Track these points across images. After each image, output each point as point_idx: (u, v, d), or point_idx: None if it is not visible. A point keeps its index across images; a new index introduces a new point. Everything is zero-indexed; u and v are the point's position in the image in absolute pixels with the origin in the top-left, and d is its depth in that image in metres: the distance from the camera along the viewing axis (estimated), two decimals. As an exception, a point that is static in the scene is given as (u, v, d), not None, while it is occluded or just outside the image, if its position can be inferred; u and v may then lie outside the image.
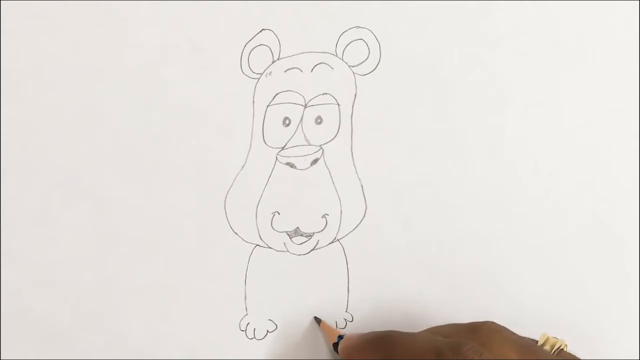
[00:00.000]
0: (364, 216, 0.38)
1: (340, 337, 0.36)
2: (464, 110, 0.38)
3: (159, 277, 0.35)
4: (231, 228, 0.36)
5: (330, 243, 0.37)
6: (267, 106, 0.36)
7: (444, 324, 0.35)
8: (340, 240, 0.37)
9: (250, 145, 0.36)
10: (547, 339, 0.34)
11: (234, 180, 0.36)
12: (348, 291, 0.38)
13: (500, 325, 0.33)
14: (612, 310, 0.41)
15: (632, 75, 0.40)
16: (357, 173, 0.37)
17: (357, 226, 0.38)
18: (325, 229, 0.37)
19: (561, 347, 0.33)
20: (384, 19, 0.37)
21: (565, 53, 0.39)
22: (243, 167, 0.36)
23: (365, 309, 0.38)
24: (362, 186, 0.37)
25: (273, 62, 0.36)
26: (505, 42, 0.38)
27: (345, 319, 0.38)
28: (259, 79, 0.35)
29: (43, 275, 0.34)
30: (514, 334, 0.33)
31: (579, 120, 0.40)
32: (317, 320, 0.37)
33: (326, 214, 0.37)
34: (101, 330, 0.35)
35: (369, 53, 0.37)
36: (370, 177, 0.37)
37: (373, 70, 0.37)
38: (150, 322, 0.35)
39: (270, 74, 0.36)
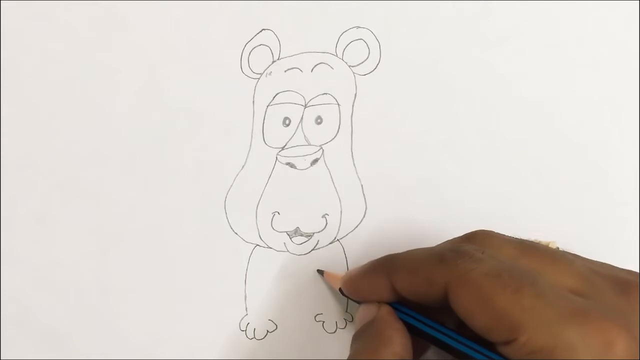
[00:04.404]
0: (364, 216, 0.38)
1: None
2: (463, 110, 0.38)
3: (158, 277, 0.35)
4: (231, 228, 0.36)
5: (330, 243, 0.37)
6: (267, 106, 0.36)
7: None
8: (340, 240, 0.37)
9: (250, 145, 0.36)
10: (540, 242, 0.33)
11: (234, 180, 0.36)
12: (348, 291, 0.38)
13: (494, 231, 0.33)
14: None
15: (632, 76, 0.40)
16: (357, 173, 0.37)
17: (357, 226, 0.38)
18: (325, 229, 0.37)
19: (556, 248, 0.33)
20: (384, 19, 0.37)
21: (565, 53, 0.39)
22: (243, 167, 0.36)
23: (365, 309, 0.38)
24: (362, 186, 0.37)
25: (273, 62, 0.36)
26: (505, 42, 0.38)
27: (345, 319, 0.38)
28: (259, 79, 0.36)
29: (43, 275, 0.34)
30: (509, 235, 0.33)
31: (579, 120, 0.40)
32: (320, 272, 0.37)
33: (326, 214, 0.37)
34: (101, 330, 0.35)
35: (369, 53, 0.37)
36: (370, 177, 0.37)
37: (373, 70, 0.37)
38: (150, 322, 0.35)
39: (270, 74, 0.36)
